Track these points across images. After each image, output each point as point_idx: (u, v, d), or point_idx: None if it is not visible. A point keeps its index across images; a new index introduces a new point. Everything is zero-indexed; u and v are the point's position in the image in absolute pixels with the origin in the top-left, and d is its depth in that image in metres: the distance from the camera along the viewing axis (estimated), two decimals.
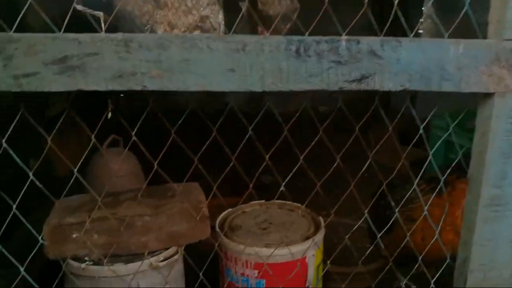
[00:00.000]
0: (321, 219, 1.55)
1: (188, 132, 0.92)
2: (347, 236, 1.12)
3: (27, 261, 0.94)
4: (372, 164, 0.98)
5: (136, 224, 1.29)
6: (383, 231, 1.24)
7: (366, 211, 1.04)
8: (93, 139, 0.87)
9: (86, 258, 1.27)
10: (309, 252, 1.41)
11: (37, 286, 0.92)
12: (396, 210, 1.15)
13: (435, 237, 1.07)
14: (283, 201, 1.72)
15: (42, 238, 1.24)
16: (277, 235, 1.45)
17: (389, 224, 1.30)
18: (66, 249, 1.26)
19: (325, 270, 1.26)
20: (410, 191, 1.15)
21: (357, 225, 1.15)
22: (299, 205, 1.68)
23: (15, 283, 0.94)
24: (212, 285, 1.04)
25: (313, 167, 0.97)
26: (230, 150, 0.92)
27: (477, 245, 0.90)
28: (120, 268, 1.24)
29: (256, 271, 1.38)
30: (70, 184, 0.98)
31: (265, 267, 1.35)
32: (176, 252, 1.33)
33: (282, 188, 0.94)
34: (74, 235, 1.25)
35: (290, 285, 1.38)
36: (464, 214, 0.93)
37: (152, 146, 0.92)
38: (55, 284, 1.07)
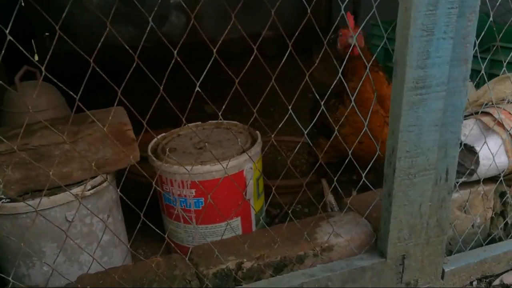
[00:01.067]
0: (258, 133, 1.50)
1: (124, 68, 0.79)
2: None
3: None
4: (310, 83, 0.90)
5: (54, 153, 1.18)
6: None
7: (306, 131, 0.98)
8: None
9: (2, 196, 1.16)
10: (246, 165, 1.37)
11: None
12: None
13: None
14: (220, 121, 1.65)
15: None
16: (214, 152, 1.40)
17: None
18: None
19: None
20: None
21: (300, 143, 1.12)
22: (236, 122, 1.62)
23: None
24: (151, 213, 0.98)
25: (256, 93, 0.89)
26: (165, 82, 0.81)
27: (403, 132, 0.88)
28: (43, 201, 1.14)
29: (193, 190, 1.34)
30: None
31: (200, 185, 1.30)
32: (104, 180, 1.25)
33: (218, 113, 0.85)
34: None
35: (230, 200, 1.35)
36: (391, 103, 0.90)
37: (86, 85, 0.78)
38: None
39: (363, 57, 1.09)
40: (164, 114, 1.11)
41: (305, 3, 0.78)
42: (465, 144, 1.19)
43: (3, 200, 1.15)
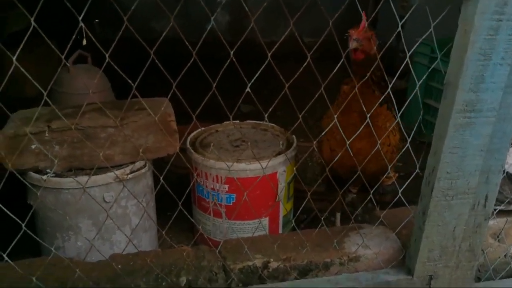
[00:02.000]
0: (294, 137, 1.52)
1: (167, 61, 0.82)
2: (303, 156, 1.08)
3: None
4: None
5: (100, 136, 1.23)
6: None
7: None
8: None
9: (48, 170, 1.23)
10: (280, 168, 1.39)
11: None
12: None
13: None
14: (257, 121, 1.67)
15: None
16: (249, 151, 1.42)
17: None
18: (25, 161, 1.20)
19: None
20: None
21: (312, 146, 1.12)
22: (273, 124, 1.64)
23: None
24: (183, 203, 1.01)
25: (295, 97, 0.90)
26: (211, 78, 0.84)
27: (446, 153, 0.87)
28: (84, 179, 1.20)
29: (227, 186, 1.37)
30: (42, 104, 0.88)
31: (237, 181, 1.33)
32: (144, 166, 1.30)
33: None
34: (33, 146, 1.19)
35: (261, 200, 1.37)
36: (437, 123, 0.89)
37: (127, 72, 0.82)
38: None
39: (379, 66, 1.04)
40: (200, 108, 1.14)
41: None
42: (507, 172, 1.17)
43: (50, 174, 1.21)
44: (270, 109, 0.86)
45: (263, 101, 0.87)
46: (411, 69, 1.00)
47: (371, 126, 0.98)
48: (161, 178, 0.88)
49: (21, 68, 0.84)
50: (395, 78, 0.99)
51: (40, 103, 0.91)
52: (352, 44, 1.13)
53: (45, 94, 0.81)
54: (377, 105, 1.10)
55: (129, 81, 0.82)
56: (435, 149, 0.90)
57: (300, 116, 0.85)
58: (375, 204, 1.52)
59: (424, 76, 2.32)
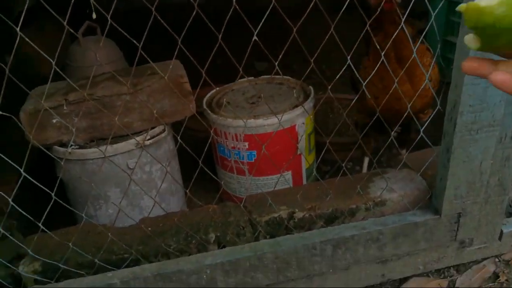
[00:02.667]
0: (311, 88, 1.49)
1: (177, 27, 0.80)
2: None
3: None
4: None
5: (116, 104, 1.24)
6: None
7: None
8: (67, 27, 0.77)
9: (72, 143, 1.25)
10: (299, 120, 1.37)
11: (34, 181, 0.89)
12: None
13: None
14: (272, 76, 1.64)
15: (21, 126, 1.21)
16: (266, 107, 1.40)
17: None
18: (49, 136, 1.23)
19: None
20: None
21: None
22: (288, 77, 1.61)
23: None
24: (206, 164, 1.02)
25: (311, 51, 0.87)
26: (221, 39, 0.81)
27: (468, 85, 0.84)
28: (107, 149, 1.22)
29: (247, 143, 1.37)
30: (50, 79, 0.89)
31: (255, 137, 1.32)
32: (163, 131, 1.30)
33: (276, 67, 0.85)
34: (54, 120, 1.21)
35: (282, 154, 1.37)
36: (456, 54, 0.85)
37: (138, 41, 0.81)
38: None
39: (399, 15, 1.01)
40: (215, 71, 1.12)
41: None
42: None
43: (73, 146, 1.24)
44: (281, 56, 0.84)
45: (278, 57, 0.85)
46: (428, 5, 0.94)
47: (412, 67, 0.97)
48: (178, 138, 0.88)
49: (33, 44, 0.84)
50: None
51: (56, 80, 0.92)
52: None
53: (53, 62, 0.81)
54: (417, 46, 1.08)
55: (135, 42, 0.81)
56: (455, 82, 0.86)
57: (312, 60, 0.83)
58: (402, 146, 1.50)
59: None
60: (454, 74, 0.86)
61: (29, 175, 0.99)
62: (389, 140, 1.04)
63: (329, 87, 0.88)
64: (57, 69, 0.82)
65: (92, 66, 1.75)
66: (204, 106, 1.47)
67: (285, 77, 1.62)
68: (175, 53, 0.84)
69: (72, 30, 0.83)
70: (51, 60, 0.83)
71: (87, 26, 1.80)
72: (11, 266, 1.01)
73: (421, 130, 1.04)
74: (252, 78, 1.65)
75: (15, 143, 1.23)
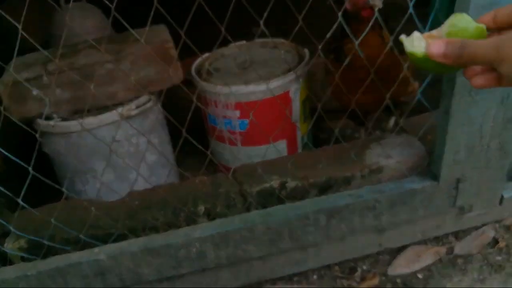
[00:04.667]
0: (306, 51, 1.42)
1: None
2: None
3: None
4: None
5: (99, 73, 1.18)
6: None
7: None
8: None
9: (55, 115, 1.20)
10: (292, 86, 1.31)
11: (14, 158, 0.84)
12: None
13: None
14: (265, 39, 1.57)
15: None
16: (259, 72, 1.34)
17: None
18: (30, 108, 1.18)
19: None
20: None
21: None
22: (283, 40, 1.53)
23: None
24: (197, 136, 0.97)
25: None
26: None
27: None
28: (90, 120, 1.17)
29: (238, 112, 1.31)
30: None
31: (244, 105, 1.27)
32: (149, 100, 1.25)
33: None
34: (35, 92, 1.15)
35: (275, 122, 1.32)
36: (455, 10, 0.78)
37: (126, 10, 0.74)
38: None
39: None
40: (209, 36, 1.06)
41: None
42: None
43: (56, 119, 1.19)
44: (272, 26, 0.77)
45: (277, 21, 0.79)
46: None
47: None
48: (160, 106, 0.82)
49: (9, 18, 0.78)
50: None
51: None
52: (376, 3, 1.02)
53: (19, 27, 0.75)
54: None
55: (110, 5, 0.75)
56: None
57: (300, 18, 0.76)
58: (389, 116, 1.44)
59: None
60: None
61: (17, 150, 0.95)
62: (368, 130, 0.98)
63: (320, 47, 0.81)
64: (23, 33, 0.76)
65: (77, 34, 1.67)
66: (193, 73, 1.40)
67: (279, 40, 1.54)
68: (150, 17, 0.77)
69: None
70: (17, 26, 0.77)
71: None
72: None
73: (419, 93, 0.98)
74: (244, 42, 1.58)
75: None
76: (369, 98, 1.10)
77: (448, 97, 0.88)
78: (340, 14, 0.83)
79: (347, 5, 1.08)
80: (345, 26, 0.92)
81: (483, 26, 0.55)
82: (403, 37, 0.59)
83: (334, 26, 0.83)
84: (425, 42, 0.57)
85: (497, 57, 0.49)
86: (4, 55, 0.80)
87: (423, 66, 0.59)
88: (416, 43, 0.57)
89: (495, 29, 0.56)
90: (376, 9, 1.00)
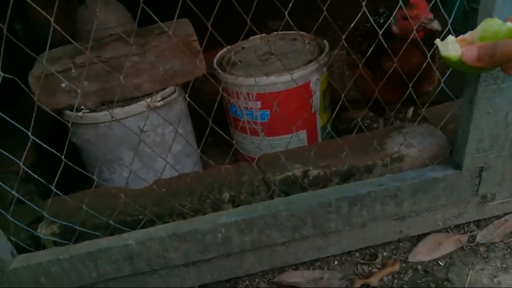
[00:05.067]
0: (325, 43, 1.43)
1: None
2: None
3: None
4: None
5: (125, 65, 1.21)
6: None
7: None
8: None
9: (83, 107, 1.24)
10: (313, 77, 1.32)
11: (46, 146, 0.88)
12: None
13: None
14: (285, 32, 1.58)
15: (31, 92, 1.20)
16: (279, 64, 1.36)
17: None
18: (59, 100, 1.22)
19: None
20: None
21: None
22: (302, 33, 1.55)
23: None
24: (220, 126, 1.00)
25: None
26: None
27: None
28: (118, 111, 1.21)
29: (259, 103, 1.33)
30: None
31: (268, 95, 1.29)
32: (174, 91, 1.28)
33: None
34: (63, 84, 1.19)
35: (296, 112, 1.33)
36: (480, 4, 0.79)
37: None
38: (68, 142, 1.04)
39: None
40: (228, 32, 1.08)
41: None
42: None
43: (84, 110, 1.23)
44: (290, 21, 0.79)
45: (294, 15, 0.80)
46: None
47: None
48: (186, 97, 0.85)
49: (42, 11, 0.82)
50: None
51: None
52: (433, 25, 0.98)
53: (52, 20, 0.79)
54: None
55: None
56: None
57: (325, 8, 0.78)
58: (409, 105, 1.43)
59: None
60: (480, 18, 0.80)
61: (47, 140, 0.99)
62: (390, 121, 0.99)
63: (343, 39, 0.83)
64: (56, 26, 0.79)
65: (101, 29, 1.71)
66: (215, 65, 1.43)
67: (299, 32, 1.55)
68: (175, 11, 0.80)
69: None
70: (50, 18, 0.81)
71: None
72: (29, 229, 1.03)
73: (442, 81, 0.98)
74: (264, 35, 1.59)
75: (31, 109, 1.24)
76: (395, 94, 1.10)
77: (472, 86, 0.88)
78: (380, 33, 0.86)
79: (395, 29, 1.07)
80: (385, 45, 0.92)
81: None
82: (438, 41, 0.63)
83: (357, 17, 0.84)
84: (459, 46, 0.60)
85: None
86: (31, 49, 0.83)
87: (458, 68, 0.62)
88: (451, 47, 0.61)
89: None
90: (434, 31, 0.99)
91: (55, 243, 1.05)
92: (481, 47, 0.57)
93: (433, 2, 0.87)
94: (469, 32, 0.63)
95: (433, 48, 0.92)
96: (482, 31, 0.60)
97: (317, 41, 1.48)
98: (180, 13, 0.79)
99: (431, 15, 0.99)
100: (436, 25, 0.99)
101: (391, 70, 0.98)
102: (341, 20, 0.91)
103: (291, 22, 0.78)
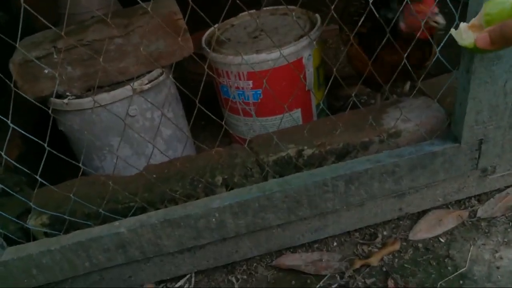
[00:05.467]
0: (317, 16, 1.38)
1: None
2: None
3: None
4: None
5: (109, 49, 1.16)
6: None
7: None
8: None
9: (68, 94, 1.20)
10: (305, 53, 1.27)
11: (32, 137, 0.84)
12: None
13: None
14: (275, 6, 1.53)
15: (13, 80, 1.16)
16: (269, 40, 1.31)
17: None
18: (43, 87, 1.17)
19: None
20: None
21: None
22: (293, 7, 1.49)
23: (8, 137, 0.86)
24: (211, 108, 0.96)
25: None
26: None
27: None
28: (104, 97, 1.16)
29: (250, 82, 1.29)
30: None
31: (257, 74, 1.24)
32: (161, 74, 1.23)
33: None
34: (46, 71, 1.15)
35: (289, 90, 1.29)
36: None
37: None
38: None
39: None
40: (217, 7, 1.03)
41: None
42: None
43: (69, 97, 1.18)
44: None
45: None
46: None
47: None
48: (171, 79, 0.81)
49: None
50: None
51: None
52: (440, 20, 0.94)
53: (22, 1, 0.74)
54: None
55: None
56: None
57: None
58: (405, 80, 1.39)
59: None
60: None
61: (34, 129, 0.94)
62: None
63: (333, 6, 0.78)
64: (31, 10, 0.74)
65: (85, 13, 1.65)
66: (203, 45, 1.38)
67: (289, 7, 1.50)
68: None
69: None
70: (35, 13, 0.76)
71: None
72: (18, 221, 1.00)
73: (437, 51, 0.94)
74: (254, 11, 1.54)
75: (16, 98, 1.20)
76: (390, 77, 1.05)
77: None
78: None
79: (402, 26, 1.01)
80: (393, 42, 0.91)
81: None
82: (453, 31, 0.65)
83: None
84: (471, 33, 0.62)
85: None
86: (15, 36, 0.79)
87: (479, 53, 0.67)
88: (465, 36, 0.63)
89: None
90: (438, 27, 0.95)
91: (46, 234, 1.02)
92: (491, 31, 0.58)
93: None
94: (476, 17, 0.63)
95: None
96: (486, 15, 0.60)
97: (308, 15, 1.43)
98: None
99: (436, 9, 0.95)
100: (440, 19, 0.94)
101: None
102: None
103: None
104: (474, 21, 0.64)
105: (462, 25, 0.64)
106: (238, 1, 0.75)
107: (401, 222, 1.13)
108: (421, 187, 1.06)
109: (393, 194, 1.05)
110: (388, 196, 1.05)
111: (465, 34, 0.63)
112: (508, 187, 1.13)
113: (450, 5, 0.84)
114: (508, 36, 0.55)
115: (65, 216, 0.97)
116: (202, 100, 0.86)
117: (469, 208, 1.12)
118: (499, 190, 1.13)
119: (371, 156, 0.99)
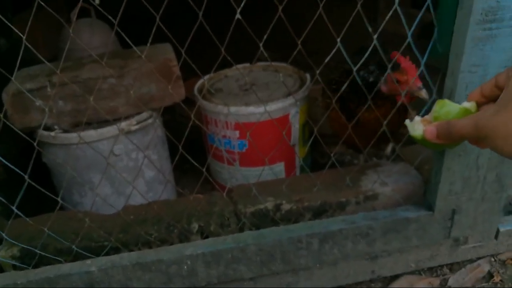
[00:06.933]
0: (307, 76, 1.44)
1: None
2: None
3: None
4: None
5: (102, 87, 1.20)
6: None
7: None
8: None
9: (56, 127, 1.21)
10: (292, 109, 1.32)
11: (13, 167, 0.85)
12: None
13: None
14: (268, 62, 1.59)
15: (4, 109, 1.18)
16: (259, 94, 1.36)
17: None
18: (32, 118, 1.19)
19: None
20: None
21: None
22: (285, 64, 1.56)
23: None
24: (197, 154, 0.98)
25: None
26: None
27: (464, 72, 0.79)
28: (91, 133, 1.18)
29: (237, 132, 1.32)
30: None
31: (243, 127, 1.28)
32: (150, 116, 1.26)
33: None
34: (37, 103, 1.17)
35: (273, 144, 1.32)
36: (453, 39, 0.80)
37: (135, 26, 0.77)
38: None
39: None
40: (213, 59, 1.08)
41: None
42: None
43: (57, 130, 1.20)
44: (277, 52, 0.79)
45: (281, 45, 0.81)
46: None
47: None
48: (159, 123, 0.84)
49: (18, 32, 0.81)
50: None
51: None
52: (423, 93, 1.02)
53: (24, 38, 0.78)
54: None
55: (114, 20, 0.77)
56: (452, 69, 0.81)
57: (299, 42, 0.78)
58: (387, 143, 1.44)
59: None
60: (451, 60, 0.81)
61: (19, 160, 0.95)
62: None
63: (318, 71, 0.83)
64: (27, 45, 0.78)
65: (84, 49, 1.70)
66: (195, 92, 1.42)
67: (282, 64, 1.57)
68: (151, 34, 0.79)
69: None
70: (22, 36, 0.80)
71: (81, 7, 1.76)
72: None
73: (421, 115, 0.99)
74: (248, 64, 1.60)
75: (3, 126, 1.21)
76: (369, 141, 1.10)
77: None
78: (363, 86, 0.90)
79: (383, 88, 1.09)
80: (369, 99, 0.95)
81: (470, 104, 0.62)
82: (407, 122, 0.69)
83: (332, 53, 0.84)
84: (422, 125, 0.66)
85: (479, 135, 0.53)
86: (13, 66, 0.82)
87: (425, 145, 0.67)
88: (416, 127, 0.67)
89: (485, 102, 0.61)
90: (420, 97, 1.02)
91: (15, 267, 1.00)
92: (438, 125, 0.61)
93: (421, 69, 0.89)
94: (429, 114, 0.68)
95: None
96: (435, 112, 0.65)
97: (299, 74, 1.49)
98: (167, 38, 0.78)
99: (420, 84, 1.02)
100: (424, 93, 1.01)
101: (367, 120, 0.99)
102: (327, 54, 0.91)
103: (265, 54, 0.79)
104: (426, 116, 0.68)
105: (416, 118, 0.68)
106: (228, 58, 0.80)
107: (373, 284, 1.13)
108: (394, 251, 1.07)
109: (366, 256, 1.06)
110: (361, 257, 1.06)
111: (416, 125, 0.67)
112: (479, 258, 1.15)
113: (428, 78, 0.89)
114: (452, 133, 0.58)
115: (36, 250, 0.95)
116: (189, 146, 0.88)
117: (441, 276, 1.13)
118: (471, 261, 1.15)
119: (347, 217, 1.01)
